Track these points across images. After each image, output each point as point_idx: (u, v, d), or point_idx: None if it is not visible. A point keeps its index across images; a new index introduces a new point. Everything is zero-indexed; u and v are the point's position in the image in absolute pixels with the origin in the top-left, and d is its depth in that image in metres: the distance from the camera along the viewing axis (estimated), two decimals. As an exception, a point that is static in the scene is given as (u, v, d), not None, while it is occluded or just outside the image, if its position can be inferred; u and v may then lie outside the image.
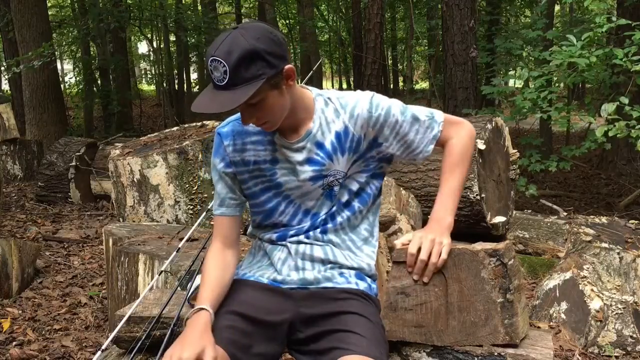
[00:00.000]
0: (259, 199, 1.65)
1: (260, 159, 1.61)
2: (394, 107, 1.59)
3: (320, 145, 1.58)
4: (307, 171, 1.59)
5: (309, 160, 1.59)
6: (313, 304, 1.58)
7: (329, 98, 1.61)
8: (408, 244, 1.52)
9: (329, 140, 1.59)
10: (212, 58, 1.40)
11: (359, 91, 1.63)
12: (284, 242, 1.66)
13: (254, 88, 1.39)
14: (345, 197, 1.64)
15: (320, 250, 1.63)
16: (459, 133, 1.63)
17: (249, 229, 1.78)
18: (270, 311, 1.56)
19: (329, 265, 1.64)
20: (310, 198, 1.63)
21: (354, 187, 1.64)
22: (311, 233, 1.64)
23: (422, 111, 1.62)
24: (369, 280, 1.67)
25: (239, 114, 1.63)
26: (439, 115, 1.63)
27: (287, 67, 1.45)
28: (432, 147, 1.62)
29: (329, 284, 1.62)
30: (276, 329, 1.55)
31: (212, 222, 1.70)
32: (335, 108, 1.60)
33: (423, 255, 1.48)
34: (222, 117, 1.70)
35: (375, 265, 1.74)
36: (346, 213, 1.65)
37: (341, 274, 1.64)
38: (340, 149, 1.59)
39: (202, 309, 1.49)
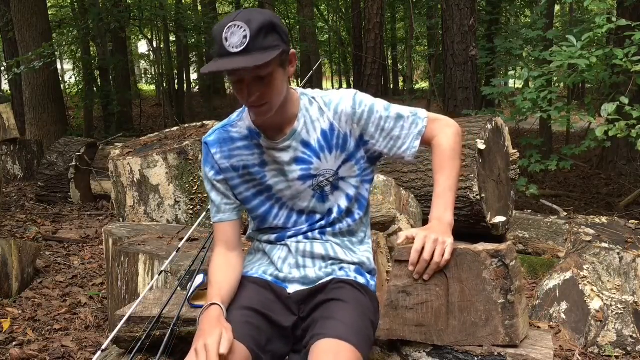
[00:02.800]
0: (252, 203, 1.67)
1: (249, 163, 1.62)
2: (378, 104, 1.61)
3: (306, 144, 1.60)
4: (295, 170, 1.60)
5: (296, 160, 1.60)
6: (311, 300, 1.60)
7: (313, 97, 1.62)
8: (411, 239, 1.52)
9: (314, 139, 1.60)
10: (231, 24, 1.39)
11: (342, 89, 1.65)
12: (283, 242, 1.67)
13: (271, 55, 1.39)
14: (344, 204, 1.65)
15: (320, 247, 1.65)
16: (445, 130, 1.63)
17: (248, 231, 1.78)
18: (278, 312, 1.57)
19: (330, 262, 1.65)
20: (301, 199, 1.63)
21: (351, 191, 1.65)
22: (310, 234, 1.65)
23: (405, 109, 1.64)
24: (368, 276, 1.69)
25: (224, 122, 1.67)
26: (422, 112, 1.65)
27: (292, 50, 1.49)
28: (417, 143, 1.63)
29: (329, 279, 1.62)
30: (284, 329, 1.57)
31: (212, 223, 1.71)
32: (319, 106, 1.61)
33: (426, 255, 1.48)
34: (221, 117, 1.70)
35: (374, 263, 1.75)
36: (348, 221, 1.67)
37: (341, 269, 1.65)
38: (327, 146, 1.60)
39: (213, 304, 1.50)
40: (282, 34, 1.44)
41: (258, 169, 1.62)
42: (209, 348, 1.35)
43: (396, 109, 1.62)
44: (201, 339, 1.39)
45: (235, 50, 1.39)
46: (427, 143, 1.64)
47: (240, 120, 1.65)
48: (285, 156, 1.60)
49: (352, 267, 1.66)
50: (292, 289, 1.64)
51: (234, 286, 1.60)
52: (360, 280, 1.64)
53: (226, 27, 1.40)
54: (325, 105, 1.60)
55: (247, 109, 1.63)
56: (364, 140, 1.62)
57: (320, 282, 1.62)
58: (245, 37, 1.38)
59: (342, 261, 1.65)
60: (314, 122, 1.60)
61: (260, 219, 1.68)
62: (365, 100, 1.60)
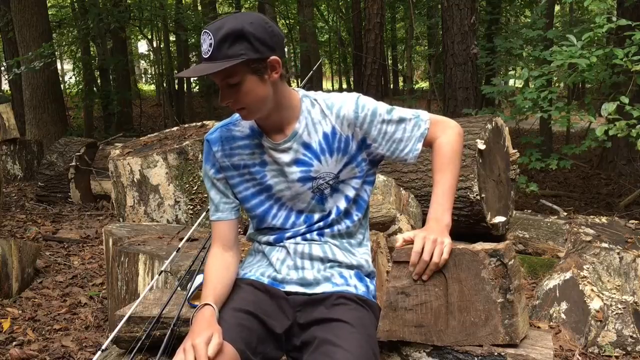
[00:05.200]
0: (251, 202, 1.67)
1: (250, 163, 1.63)
2: (380, 108, 1.60)
3: (307, 146, 1.60)
4: (295, 172, 1.60)
5: (296, 161, 1.60)
6: (310, 310, 1.59)
7: (315, 99, 1.62)
8: (410, 241, 1.52)
9: (315, 141, 1.60)
10: (204, 31, 1.46)
11: (345, 93, 1.65)
12: (282, 243, 1.67)
13: (229, 64, 1.43)
14: (343, 205, 1.65)
15: (319, 249, 1.64)
16: (447, 132, 1.63)
17: (248, 231, 1.78)
18: (272, 316, 1.57)
19: (329, 264, 1.64)
20: (301, 201, 1.64)
21: (351, 193, 1.65)
22: (308, 235, 1.65)
23: (407, 111, 1.64)
24: (367, 280, 1.68)
25: (226, 120, 1.68)
26: (425, 114, 1.65)
27: (272, 57, 1.48)
28: (420, 145, 1.63)
29: (328, 286, 1.62)
30: (277, 336, 1.56)
31: (210, 221, 1.71)
32: (321, 109, 1.61)
33: (426, 256, 1.48)
34: (221, 117, 1.71)
35: (374, 264, 1.74)
36: (346, 222, 1.67)
37: (341, 274, 1.64)
38: (328, 149, 1.60)
39: (206, 304, 1.51)
40: (253, 43, 1.44)
41: (258, 168, 1.63)
42: (197, 347, 1.36)
43: (398, 112, 1.62)
44: (190, 339, 1.40)
45: (205, 56, 1.46)
46: (428, 145, 1.64)
47: None
48: (286, 157, 1.60)
49: (352, 271, 1.66)
50: (289, 289, 1.63)
51: (228, 286, 1.61)
52: (361, 289, 1.63)
53: (201, 34, 1.47)
54: (327, 108, 1.60)
55: None
56: (367, 144, 1.62)
57: (319, 286, 1.62)
58: (210, 45, 1.44)
59: (340, 263, 1.65)
60: (315, 125, 1.60)
61: (259, 219, 1.68)
62: (368, 103, 1.60)
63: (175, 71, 15.10)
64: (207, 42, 1.44)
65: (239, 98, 1.49)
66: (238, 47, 1.43)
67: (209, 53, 1.44)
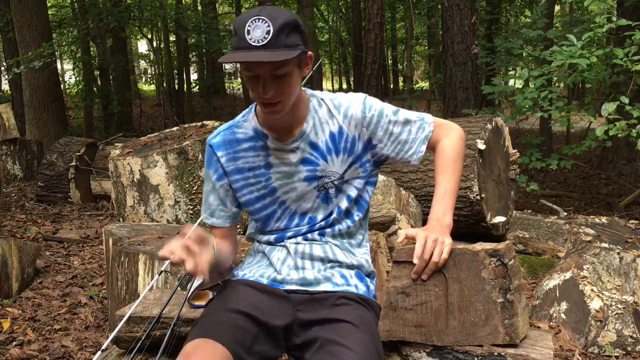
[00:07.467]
0: (254, 206, 1.66)
1: (255, 165, 1.62)
2: (387, 109, 1.62)
3: (314, 146, 1.60)
4: (301, 171, 1.60)
5: (303, 161, 1.60)
6: (310, 309, 1.58)
7: (322, 99, 1.63)
8: (411, 238, 1.52)
9: (322, 141, 1.60)
10: (255, 17, 1.39)
11: (351, 93, 1.65)
12: (282, 243, 1.67)
13: (292, 54, 1.40)
14: (345, 204, 1.65)
15: (319, 249, 1.64)
16: (450, 135, 1.65)
17: (248, 231, 1.78)
18: (270, 315, 1.56)
19: (329, 264, 1.64)
20: (306, 200, 1.63)
21: (353, 193, 1.65)
22: (309, 235, 1.65)
23: (412, 114, 1.65)
24: (367, 280, 1.69)
25: (228, 123, 1.67)
26: (429, 117, 1.67)
27: (309, 53, 1.50)
28: (424, 147, 1.64)
29: (329, 286, 1.62)
30: (275, 333, 1.56)
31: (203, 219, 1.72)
32: (328, 109, 1.61)
33: (425, 255, 1.48)
34: (221, 117, 1.71)
35: (374, 264, 1.75)
36: (347, 222, 1.67)
37: (341, 274, 1.64)
38: (334, 149, 1.60)
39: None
40: (302, 35, 1.46)
41: (263, 170, 1.62)
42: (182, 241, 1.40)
43: (404, 113, 1.63)
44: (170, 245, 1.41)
45: (256, 44, 1.39)
46: (432, 147, 1.66)
47: (246, 121, 1.64)
48: (293, 157, 1.60)
49: (352, 271, 1.66)
50: (289, 288, 1.63)
51: (220, 257, 1.60)
52: (362, 288, 1.64)
53: (250, 20, 1.40)
54: (335, 108, 1.61)
55: (253, 110, 1.64)
56: (372, 144, 1.63)
57: (319, 286, 1.62)
58: (268, 32, 1.39)
59: (341, 263, 1.65)
60: (322, 124, 1.60)
61: (262, 222, 1.68)
62: (375, 104, 1.61)
63: (176, 71, 15.12)
64: (261, 29, 1.38)
65: (283, 90, 1.45)
66: (293, 37, 1.42)
67: (266, 40, 1.38)
